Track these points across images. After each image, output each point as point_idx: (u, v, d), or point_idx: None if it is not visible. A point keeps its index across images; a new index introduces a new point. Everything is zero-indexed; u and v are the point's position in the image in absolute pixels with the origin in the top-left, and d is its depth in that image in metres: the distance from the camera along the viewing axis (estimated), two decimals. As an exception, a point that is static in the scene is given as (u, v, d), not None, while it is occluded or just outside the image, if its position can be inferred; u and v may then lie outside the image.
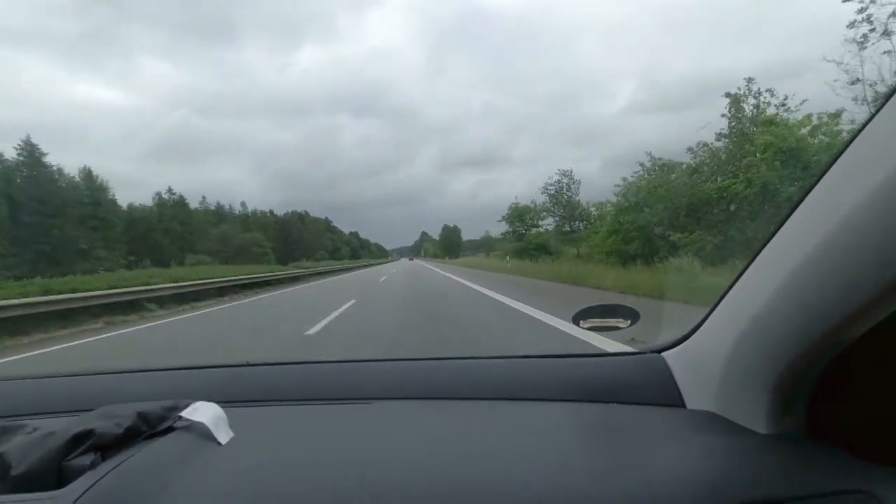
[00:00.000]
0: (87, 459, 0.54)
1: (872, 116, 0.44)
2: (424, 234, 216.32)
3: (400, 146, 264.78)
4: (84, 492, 0.49)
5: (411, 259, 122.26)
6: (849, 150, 0.47)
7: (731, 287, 0.69)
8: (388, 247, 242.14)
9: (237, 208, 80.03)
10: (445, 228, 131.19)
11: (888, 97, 0.43)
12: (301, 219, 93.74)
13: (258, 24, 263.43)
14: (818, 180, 0.51)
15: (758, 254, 0.62)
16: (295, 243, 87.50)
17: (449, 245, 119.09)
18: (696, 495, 0.51)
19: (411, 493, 0.54)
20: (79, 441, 0.56)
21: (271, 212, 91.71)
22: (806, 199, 0.52)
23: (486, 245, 68.88)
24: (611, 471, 0.57)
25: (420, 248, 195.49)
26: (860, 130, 0.45)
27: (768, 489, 0.52)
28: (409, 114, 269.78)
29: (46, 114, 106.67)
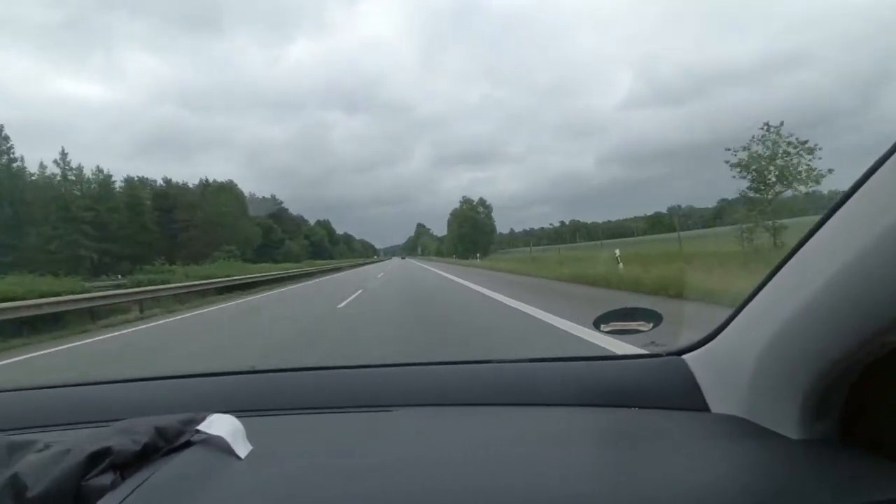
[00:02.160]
0: (106, 479, 0.52)
1: None
2: (421, 226, 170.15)
3: (393, 142, 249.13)
4: None
5: (403, 258, 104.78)
6: None
7: (760, 288, 0.67)
8: (380, 245, 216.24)
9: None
10: (465, 204, 68.37)
11: None
12: (203, 191, 53.98)
13: (248, 15, 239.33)
14: (868, 176, 0.49)
15: (793, 254, 0.60)
16: (181, 231, 47.46)
17: (474, 233, 63.51)
18: None
19: (433, 502, 0.53)
20: (96, 459, 0.53)
21: (143, 179, 52.37)
22: (853, 197, 0.50)
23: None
24: (632, 478, 0.56)
25: (415, 245, 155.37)
26: None
27: (801, 498, 0.51)
28: (403, 108, 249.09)
29: (26, 109, 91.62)
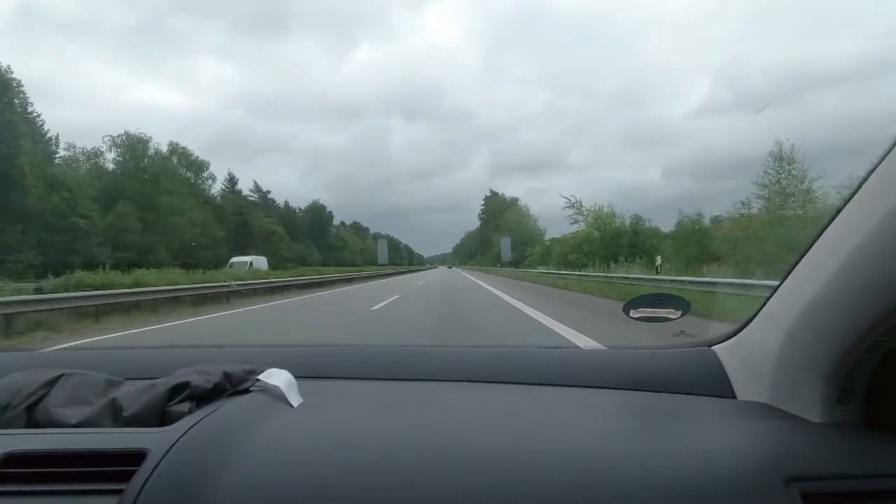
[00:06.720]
0: (185, 406, 0.64)
1: None
2: (495, 194, 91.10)
3: (452, 150, 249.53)
4: (186, 431, 0.58)
5: (449, 267, 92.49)
6: None
7: (783, 280, 0.71)
8: (427, 254, 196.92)
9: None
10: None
11: None
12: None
13: (314, 20, 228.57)
14: (870, 173, 0.53)
15: (810, 247, 0.64)
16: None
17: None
18: (742, 471, 0.52)
19: (468, 458, 0.58)
20: (177, 391, 0.65)
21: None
22: (860, 190, 0.55)
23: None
24: (653, 447, 0.60)
25: (478, 244, 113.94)
26: None
27: (816, 467, 0.53)
28: (463, 116, 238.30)
29: (100, 114, 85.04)
